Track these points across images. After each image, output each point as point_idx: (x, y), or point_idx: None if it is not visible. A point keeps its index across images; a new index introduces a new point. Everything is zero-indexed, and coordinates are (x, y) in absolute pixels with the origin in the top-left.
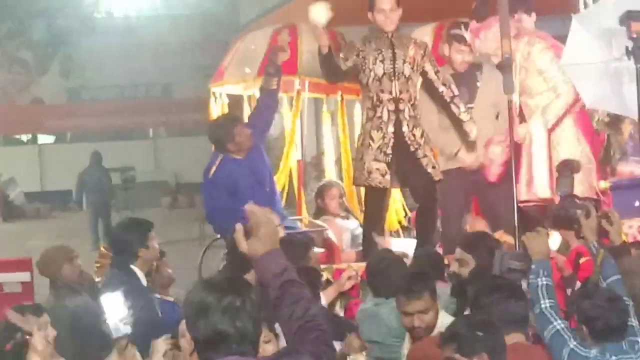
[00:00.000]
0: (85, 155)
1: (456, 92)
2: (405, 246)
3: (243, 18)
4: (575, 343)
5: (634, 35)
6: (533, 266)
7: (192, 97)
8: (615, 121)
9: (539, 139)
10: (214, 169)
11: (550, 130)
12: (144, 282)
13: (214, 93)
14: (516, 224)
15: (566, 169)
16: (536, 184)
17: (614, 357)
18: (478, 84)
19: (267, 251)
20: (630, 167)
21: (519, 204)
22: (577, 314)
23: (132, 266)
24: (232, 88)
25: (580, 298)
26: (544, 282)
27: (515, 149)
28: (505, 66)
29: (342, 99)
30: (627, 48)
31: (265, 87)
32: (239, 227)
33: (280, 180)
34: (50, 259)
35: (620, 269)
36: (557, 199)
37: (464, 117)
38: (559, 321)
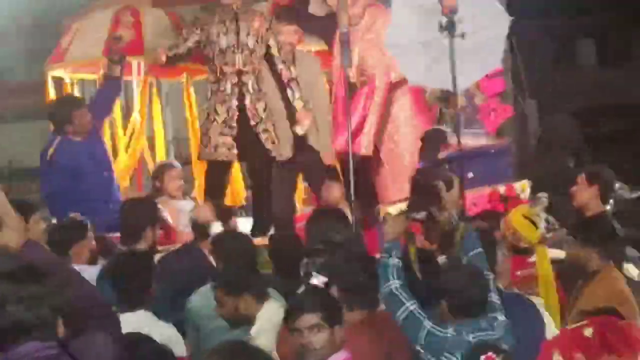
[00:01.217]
0: None
1: (294, 75)
2: (244, 226)
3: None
4: (431, 323)
5: (447, 11)
6: (385, 245)
7: (25, 81)
8: (446, 95)
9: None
10: (51, 150)
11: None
12: None
13: (52, 76)
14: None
15: (433, 139)
16: (361, 139)
17: (471, 335)
18: None
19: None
20: (463, 139)
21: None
22: (436, 288)
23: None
24: (75, 70)
25: (440, 272)
26: (395, 262)
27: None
28: (342, 41)
29: (188, 79)
30: (439, 23)
31: (108, 73)
32: None
33: (129, 162)
34: None
35: None
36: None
37: (297, 104)
38: (411, 302)
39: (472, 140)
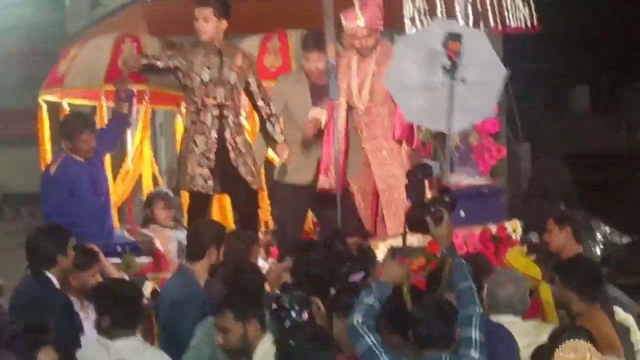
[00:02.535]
0: None
1: (274, 111)
2: None
3: (70, 28)
4: (386, 358)
5: (452, 55)
6: (374, 282)
7: (18, 108)
8: (441, 133)
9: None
10: (54, 167)
11: None
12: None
13: (46, 102)
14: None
15: (418, 173)
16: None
17: None
18: None
19: None
20: (456, 178)
21: None
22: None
23: (47, 272)
24: (73, 96)
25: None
26: (370, 303)
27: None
28: (330, 71)
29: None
30: (443, 66)
31: (116, 110)
32: None
33: (124, 190)
34: None
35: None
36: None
37: (277, 138)
38: (371, 337)
39: (465, 179)
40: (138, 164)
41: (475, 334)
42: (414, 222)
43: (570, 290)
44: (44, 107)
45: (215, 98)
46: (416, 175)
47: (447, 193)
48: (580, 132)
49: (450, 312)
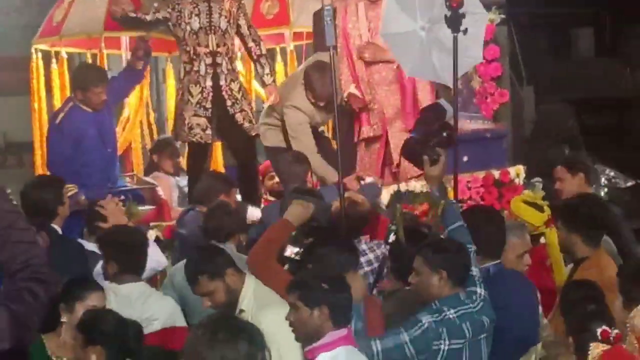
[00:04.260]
0: None
1: (264, 52)
2: None
3: None
4: (406, 334)
5: (455, 5)
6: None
7: (15, 55)
8: None
9: None
10: (61, 115)
11: None
12: None
13: (40, 50)
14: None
15: (430, 112)
16: None
17: (452, 310)
18: None
19: None
20: (459, 122)
21: None
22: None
23: (52, 224)
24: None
25: (424, 249)
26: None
27: None
28: (325, 16)
29: None
30: (445, 16)
31: (131, 64)
32: None
33: (125, 138)
34: None
35: None
36: None
37: (266, 79)
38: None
39: (468, 123)
40: (138, 113)
41: (475, 270)
42: (410, 154)
43: (574, 233)
44: (39, 55)
45: (207, 46)
46: (427, 112)
47: (446, 129)
48: (584, 76)
49: (465, 252)
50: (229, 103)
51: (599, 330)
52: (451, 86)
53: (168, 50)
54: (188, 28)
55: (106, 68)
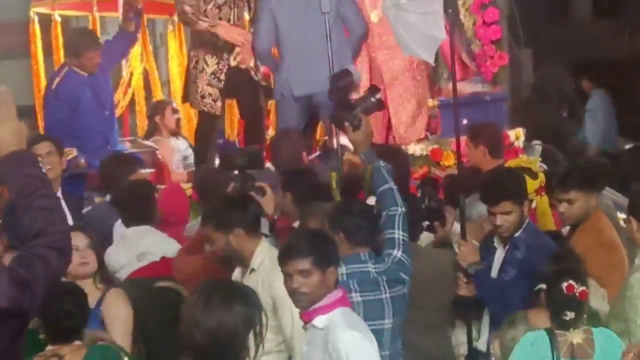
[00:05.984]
0: None
1: None
2: None
3: None
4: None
5: None
6: None
7: (9, 19)
8: None
9: None
10: (57, 79)
11: None
12: None
13: (37, 14)
14: None
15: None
16: None
17: (344, 267)
18: None
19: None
20: (458, 85)
21: None
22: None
23: None
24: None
25: (331, 210)
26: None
27: None
28: None
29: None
30: None
31: (123, 27)
32: None
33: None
34: None
35: None
36: None
37: None
38: None
39: (467, 87)
40: (135, 76)
41: (397, 233)
42: (336, 121)
43: (575, 192)
44: (36, 19)
45: (229, 20)
46: (337, 79)
47: (374, 93)
48: (583, 38)
49: (369, 214)
50: (243, 67)
51: (564, 285)
52: (428, 60)
53: (169, 13)
54: (213, 2)
55: (102, 31)
